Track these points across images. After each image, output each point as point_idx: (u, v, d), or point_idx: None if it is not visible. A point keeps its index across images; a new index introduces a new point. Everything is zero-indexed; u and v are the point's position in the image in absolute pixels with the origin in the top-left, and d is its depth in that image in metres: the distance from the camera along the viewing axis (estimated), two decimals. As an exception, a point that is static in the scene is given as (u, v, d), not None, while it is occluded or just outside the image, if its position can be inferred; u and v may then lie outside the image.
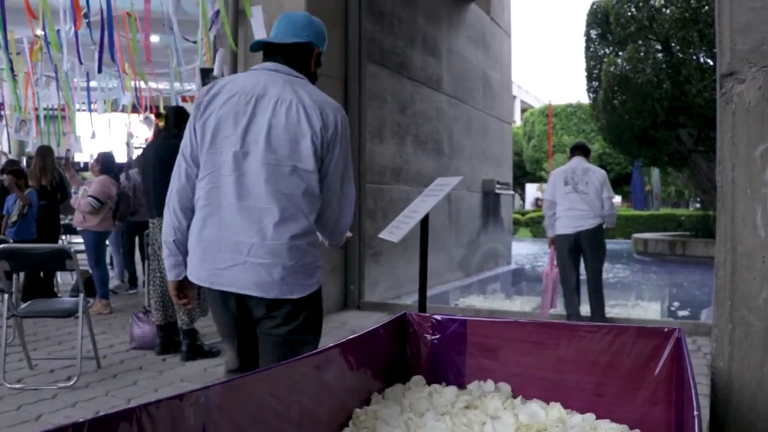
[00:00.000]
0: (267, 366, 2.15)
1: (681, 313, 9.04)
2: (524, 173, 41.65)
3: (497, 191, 13.10)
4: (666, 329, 2.36)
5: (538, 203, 44.57)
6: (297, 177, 2.47)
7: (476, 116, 12.53)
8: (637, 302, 9.76)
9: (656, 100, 15.32)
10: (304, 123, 2.47)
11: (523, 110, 51.69)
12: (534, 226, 29.31)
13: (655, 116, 15.65)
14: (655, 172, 29.43)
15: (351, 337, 2.39)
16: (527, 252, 20.49)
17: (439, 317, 2.66)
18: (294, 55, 2.61)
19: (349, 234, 2.86)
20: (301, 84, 2.56)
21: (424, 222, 3.39)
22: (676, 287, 12.48)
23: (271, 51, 2.62)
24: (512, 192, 15.61)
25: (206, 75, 8.32)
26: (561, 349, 2.45)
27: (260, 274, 2.44)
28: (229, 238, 2.46)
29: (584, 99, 39.05)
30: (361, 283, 8.45)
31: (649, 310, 9.08)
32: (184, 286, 2.65)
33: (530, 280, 13.58)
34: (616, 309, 7.60)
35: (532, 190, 45.25)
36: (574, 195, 6.89)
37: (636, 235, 19.28)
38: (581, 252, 6.95)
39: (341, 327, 7.12)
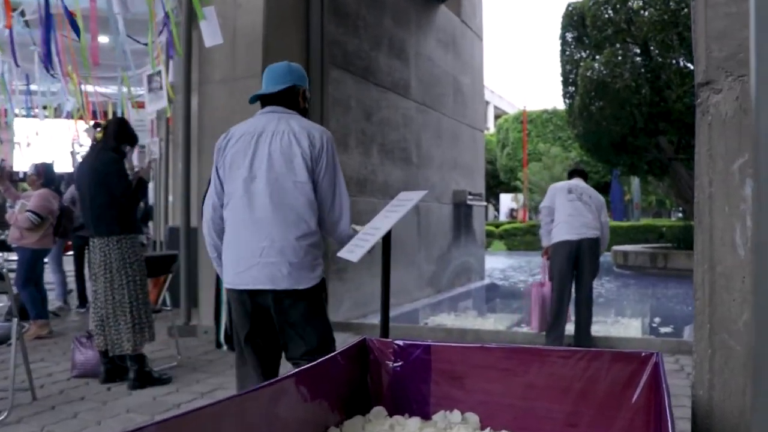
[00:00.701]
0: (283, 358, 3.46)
1: (663, 329, 9.12)
2: (498, 183, 41.89)
3: (469, 202, 13.14)
4: (643, 354, 2.35)
5: (512, 214, 44.83)
6: (295, 189, 3.36)
7: (446, 123, 12.58)
8: (617, 319, 9.83)
9: (635, 105, 15.53)
10: (294, 146, 3.40)
11: (497, 116, 52.12)
12: (509, 238, 29.47)
13: (633, 123, 15.85)
14: (635, 181, 29.83)
15: (310, 365, 2.35)
16: (502, 266, 20.57)
17: (401, 343, 2.63)
18: (283, 98, 3.56)
19: None
20: (291, 118, 3.51)
21: (386, 240, 3.36)
22: (658, 302, 12.60)
23: (266, 99, 3.58)
24: (485, 203, 15.69)
25: (151, 79, 8.24)
26: (531, 375, 2.43)
27: (272, 270, 3.31)
28: (246, 245, 3.38)
29: (560, 105, 39.52)
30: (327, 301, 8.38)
31: (629, 327, 9.15)
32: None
33: (505, 297, 13.63)
34: (595, 326, 7.64)
35: (506, 200, 45.49)
36: (578, 203, 7.12)
37: (615, 248, 19.46)
38: (578, 263, 7.07)
39: (302, 350, 7.06)
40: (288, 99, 3.58)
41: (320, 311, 3.54)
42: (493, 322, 9.59)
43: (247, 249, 3.38)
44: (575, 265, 7.08)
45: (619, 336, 7.78)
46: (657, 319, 10.04)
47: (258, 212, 3.37)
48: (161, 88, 8.38)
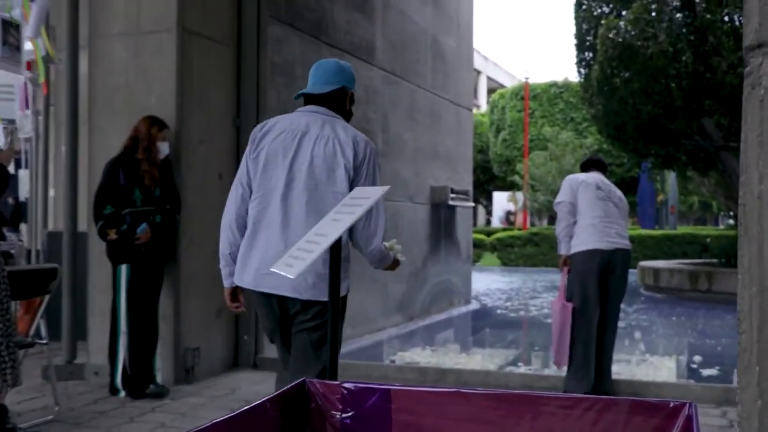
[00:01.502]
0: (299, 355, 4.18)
1: (705, 372, 9.20)
2: (490, 177, 42.14)
3: (452, 203, 13.19)
4: (672, 404, 2.36)
5: (509, 219, 45.02)
6: (334, 200, 3.93)
7: (423, 99, 12.61)
8: (644, 357, 9.93)
9: (672, 77, 15.62)
10: (339, 155, 4.12)
11: (490, 91, 52.42)
12: (504, 250, 29.65)
13: (670, 100, 15.92)
14: (671, 178, 30.08)
15: (223, 417, 2.33)
16: (494, 286, 20.68)
17: (351, 386, 2.62)
18: (331, 100, 4.29)
19: (401, 257, 4.56)
20: (337, 123, 4.23)
21: (335, 251, 3.35)
22: (699, 335, 12.70)
23: (311, 98, 4.29)
24: (473, 204, 15.73)
25: (8, 29, 8.18)
26: (523, 430, 2.43)
27: (296, 279, 3.52)
28: (273, 248, 4.03)
29: (573, 76, 39.86)
30: (258, 331, 8.35)
31: (660, 369, 9.24)
32: (236, 292, 4.32)
33: (497, 326, 13.67)
34: (616, 366, 7.68)
35: (501, 200, 45.76)
36: (610, 204, 7.14)
37: (644, 264, 19.63)
38: (606, 280, 7.06)
39: (228, 395, 7.06)
40: (335, 101, 4.31)
41: (340, 329, 4.20)
42: (481, 360, 9.63)
43: (274, 252, 3.98)
44: (603, 282, 7.07)
45: (647, 380, 7.81)
46: (697, 357, 10.11)
47: (291, 217, 4.10)
48: (20, 46, 8.37)
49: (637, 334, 12.28)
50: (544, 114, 39.06)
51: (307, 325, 4.15)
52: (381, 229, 4.20)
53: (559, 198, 7.23)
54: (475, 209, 44.70)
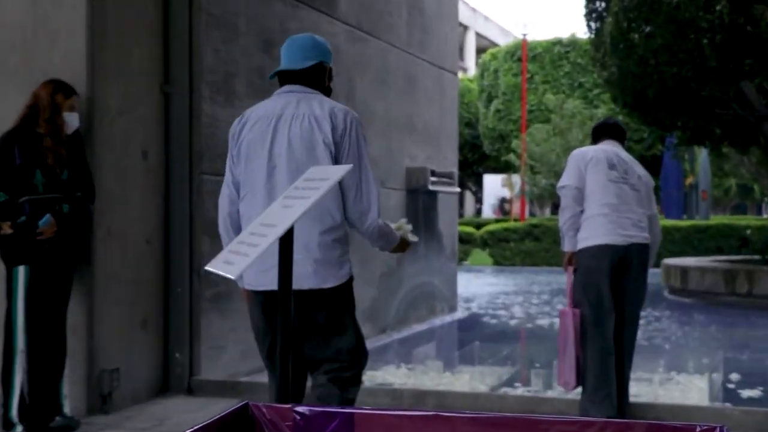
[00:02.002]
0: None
1: (746, 393, 9.22)
2: (481, 157, 42.34)
3: (433, 188, 13.22)
4: (699, 428, 2.36)
5: (503, 207, 45.09)
6: None
7: (396, 60, 12.63)
8: (669, 375, 9.97)
9: (704, 31, 15.64)
10: (316, 131, 4.68)
11: (480, 50, 52.61)
12: (497, 246, 29.78)
13: (701, 60, 15.95)
14: (702, 155, 30.21)
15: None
16: (486, 290, 20.75)
17: (304, 410, 2.62)
18: (308, 77, 4.89)
19: (413, 238, 5.12)
20: (313, 98, 4.80)
21: (286, 245, 3.33)
22: (738, 349, 12.76)
23: (287, 77, 4.92)
24: (458, 189, 15.75)
25: None
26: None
27: (295, 268, 3.92)
28: None
29: (581, 32, 39.98)
30: (193, 348, 8.38)
31: (690, 388, 9.30)
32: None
33: (489, 339, 13.71)
34: (634, 386, 7.70)
35: (493, 185, 45.86)
36: (625, 187, 7.06)
37: (669, 262, 19.73)
38: (621, 280, 7.03)
39: (156, 427, 7.06)
40: (312, 77, 4.90)
41: (349, 314, 4.89)
42: (470, 380, 9.67)
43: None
44: (617, 285, 7.04)
45: (672, 403, 7.85)
46: (735, 376, 10.12)
47: None
48: None
49: (661, 348, 12.34)
50: (546, 78, 39.25)
51: (319, 319, 4.72)
52: (375, 203, 4.71)
53: (562, 181, 7.13)
54: (461, 196, 44.88)
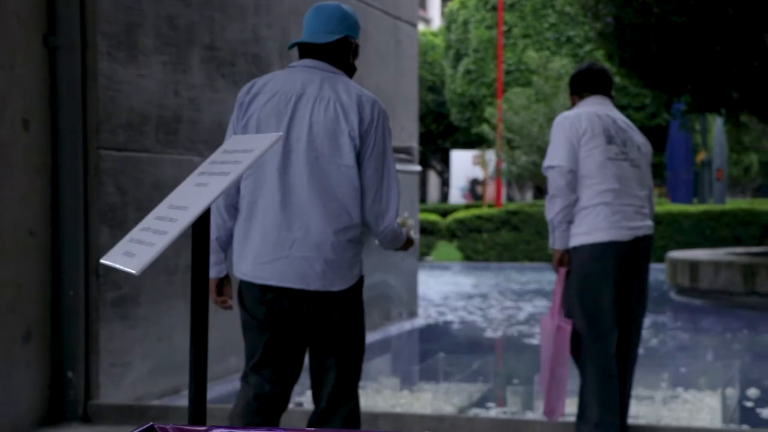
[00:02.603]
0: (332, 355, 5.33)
1: (766, 413, 9.38)
2: (447, 129, 42.42)
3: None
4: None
5: (474, 190, 45.08)
6: (339, 174, 5.14)
7: (339, 4, 12.62)
8: (675, 391, 10.10)
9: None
10: (342, 120, 5.10)
11: (446, -4, 52.53)
12: (467, 237, 29.81)
13: (715, 6, 16.04)
14: (716, 125, 30.35)
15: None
16: (453, 290, 20.77)
17: (225, 432, 2.66)
18: (332, 53, 5.28)
19: (415, 235, 5.73)
20: (338, 80, 5.24)
21: (201, 230, 3.37)
22: (757, 360, 12.90)
23: (308, 50, 5.31)
24: (419, 168, 15.79)
25: None
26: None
27: (302, 266, 4.97)
28: (273, 233, 5.13)
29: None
30: (90, 365, 8.36)
31: (699, 407, 9.42)
32: (223, 284, 5.46)
33: (456, 350, 13.79)
34: (635, 406, 7.79)
35: (463, 162, 45.86)
36: (626, 165, 7.02)
37: (676, 255, 19.83)
38: (624, 282, 7.04)
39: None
40: (337, 54, 5.32)
41: (359, 317, 5.48)
42: (432, 400, 9.72)
43: (274, 237, 5.14)
44: (619, 288, 7.05)
45: (679, 425, 7.95)
46: (754, 392, 10.24)
47: (293, 196, 5.13)
48: None
49: (665, 360, 12.45)
50: (527, 32, 39.32)
51: (329, 323, 5.28)
52: (394, 205, 5.24)
53: (551, 160, 6.98)
54: (423, 176, 44.82)
